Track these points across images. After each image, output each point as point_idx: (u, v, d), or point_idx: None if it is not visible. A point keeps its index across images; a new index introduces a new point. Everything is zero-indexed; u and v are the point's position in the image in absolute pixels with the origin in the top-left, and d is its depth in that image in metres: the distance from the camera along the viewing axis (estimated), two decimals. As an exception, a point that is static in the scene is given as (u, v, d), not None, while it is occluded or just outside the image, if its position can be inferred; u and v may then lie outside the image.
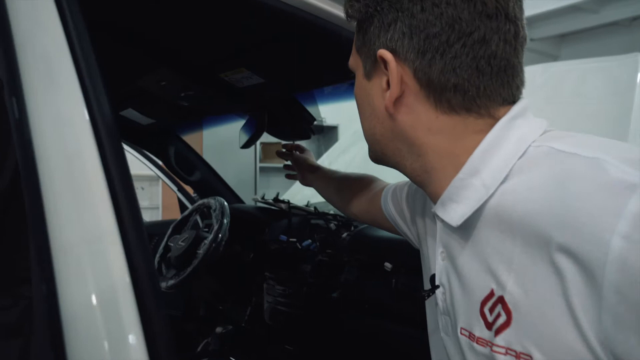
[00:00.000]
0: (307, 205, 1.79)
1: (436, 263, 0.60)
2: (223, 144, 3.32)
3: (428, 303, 0.70)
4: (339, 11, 0.74)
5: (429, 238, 0.69)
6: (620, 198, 0.38)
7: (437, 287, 0.60)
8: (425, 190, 0.59)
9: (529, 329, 0.45)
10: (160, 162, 2.04)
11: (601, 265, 0.38)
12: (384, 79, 0.55)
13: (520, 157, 0.49)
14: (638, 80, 1.63)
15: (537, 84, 1.87)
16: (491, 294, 0.49)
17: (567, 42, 7.58)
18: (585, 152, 0.44)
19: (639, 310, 0.37)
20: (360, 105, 0.61)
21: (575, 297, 0.40)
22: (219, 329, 1.61)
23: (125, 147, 1.97)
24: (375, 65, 0.56)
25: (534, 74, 2.13)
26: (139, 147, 1.93)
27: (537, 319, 0.44)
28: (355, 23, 0.60)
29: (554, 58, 8.60)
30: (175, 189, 2.18)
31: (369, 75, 0.58)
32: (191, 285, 1.84)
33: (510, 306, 0.46)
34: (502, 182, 0.49)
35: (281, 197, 1.86)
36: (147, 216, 4.52)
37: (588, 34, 7.68)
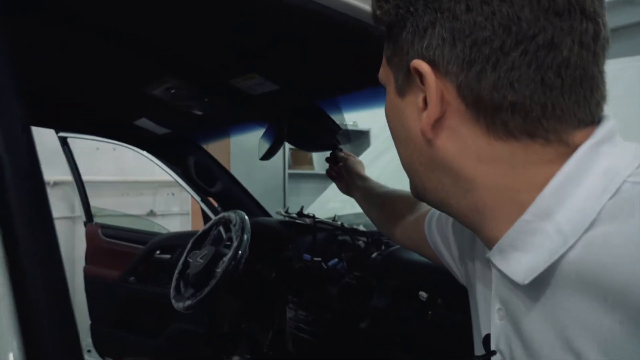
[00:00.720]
0: (333, 220, 1.66)
1: (491, 322, 0.49)
2: (251, 151, 3.24)
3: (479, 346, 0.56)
4: (365, 4, 0.60)
5: (479, 284, 0.56)
6: None
7: (494, 353, 0.48)
8: (478, 234, 0.47)
9: None
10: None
11: None
12: (420, 96, 0.43)
13: (612, 197, 0.37)
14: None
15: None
16: None
17: (616, 37, 7.14)
18: None
19: None
20: (393, 128, 0.50)
21: None
22: (236, 359, 1.50)
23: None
24: (409, 79, 0.44)
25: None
26: (158, 158, 1.85)
27: None
28: (385, 28, 0.48)
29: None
30: (198, 199, 2.10)
31: (401, 91, 0.46)
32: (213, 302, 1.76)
33: None
34: (587, 230, 0.37)
35: (307, 209, 1.74)
36: (178, 222, 4.50)
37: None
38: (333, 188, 2.58)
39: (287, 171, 3.70)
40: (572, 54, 0.38)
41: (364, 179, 1.06)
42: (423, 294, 1.07)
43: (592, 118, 0.40)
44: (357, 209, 2.09)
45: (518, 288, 0.44)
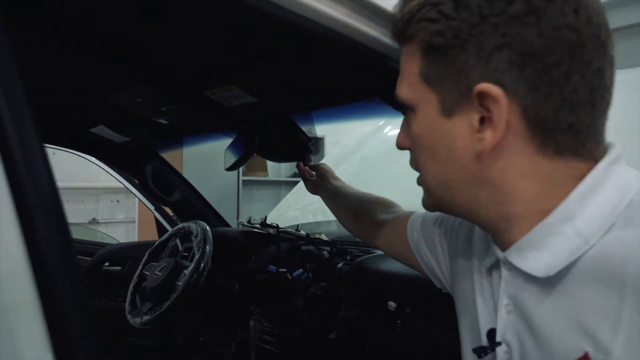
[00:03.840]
0: (297, 229, 1.66)
1: (498, 317, 0.53)
2: (204, 158, 3.17)
3: (471, 356, 0.59)
4: (355, 21, 0.61)
5: (477, 286, 0.59)
6: None
7: (499, 344, 0.52)
8: (497, 236, 0.52)
9: None
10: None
11: None
12: (476, 117, 0.45)
13: (626, 207, 0.44)
14: (643, 98, 1.55)
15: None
16: (585, 357, 0.42)
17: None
18: None
19: None
20: (429, 148, 0.51)
21: None
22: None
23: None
24: (464, 100, 0.46)
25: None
26: (112, 166, 1.78)
27: None
28: (420, 48, 0.48)
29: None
30: (152, 207, 2.03)
31: (449, 111, 0.47)
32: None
33: None
34: (605, 234, 0.43)
35: (264, 217, 1.73)
36: (123, 230, 4.31)
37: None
38: (293, 194, 2.58)
39: (241, 178, 3.66)
40: (609, 79, 0.44)
41: (337, 179, 1.09)
42: (392, 304, 1.09)
43: (603, 138, 0.46)
44: (317, 218, 2.10)
45: (530, 283, 0.48)
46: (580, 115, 0.44)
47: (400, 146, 0.57)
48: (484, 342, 0.54)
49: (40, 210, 0.28)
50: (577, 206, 0.44)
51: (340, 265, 1.36)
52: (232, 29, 0.63)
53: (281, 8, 0.51)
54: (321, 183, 1.10)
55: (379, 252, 1.37)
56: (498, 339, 0.52)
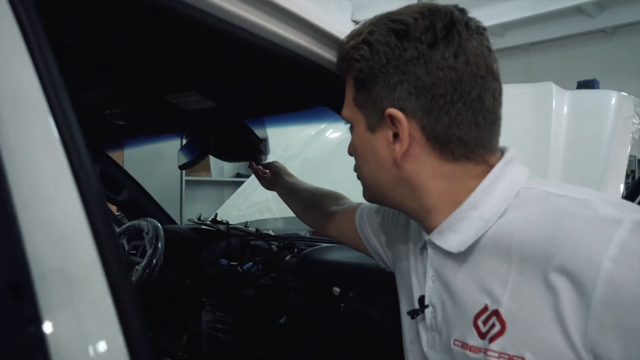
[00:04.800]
0: (246, 226, 1.74)
1: (426, 285, 0.66)
2: (146, 157, 3.15)
3: (407, 321, 0.73)
4: (304, 42, 0.72)
5: (412, 264, 0.72)
6: (609, 230, 0.48)
7: (427, 306, 0.65)
8: (423, 223, 0.65)
9: (522, 336, 0.52)
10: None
11: (592, 282, 0.46)
12: (390, 133, 0.59)
13: (515, 197, 0.57)
14: (553, 106, 1.79)
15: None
16: (485, 308, 0.56)
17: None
18: (573, 195, 0.54)
19: (621, 316, 0.45)
20: (363, 155, 0.65)
21: (567, 309, 0.48)
22: (154, 363, 1.51)
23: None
24: (380, 120, 0.60)
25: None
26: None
27: (530, 327, 0.51)
28: (352, 80, 0.62)
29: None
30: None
31: (372, 129, 0.61)
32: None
33: (504, 318, 0.53)
34: (500, 217, 0.57)
35: (216, 213, 1.80)
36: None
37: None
38: (239, 193, 2.64)
39: (185, 178, 3.65)
40: (490, 104, 0.58)
41: (290, 176, 1.20)
42: (336, 289, 1.21)
43: (497, 147, 0.61)
44: (264, 215, 2.19)
45: (449, 258, 0.62)
46: (466, 131, 0.57)
47: (349, 153, 0.70)
48: (416, 307, 0.68)
49: (95, 201, 0.36)
50: (481, 198, 0.58)
51: (288, 257, 1.47)
52: (198, 46, 0.72)
53: (241, 29, 0.61)
54: (276, 180, 1.20)
55: (324, 245, 1.49)
56: (426, 302, 0.66)
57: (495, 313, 0.54)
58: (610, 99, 1.72)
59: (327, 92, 0.83)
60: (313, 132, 2.80)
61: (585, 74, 6.54)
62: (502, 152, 0.62)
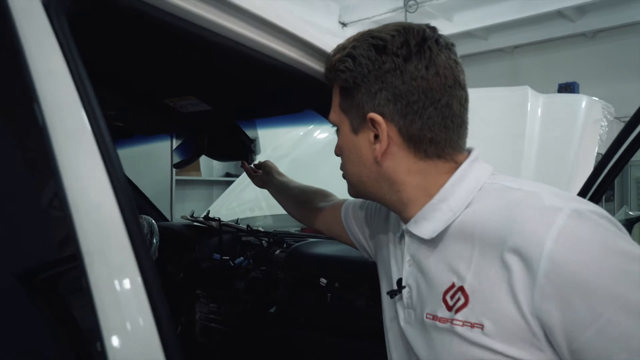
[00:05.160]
0: (236, 222, 1.82)
1: (403, 269, 0.75)
2: (137, 157, 3.19)
3: (387, 301, 0.82)
4: (293, 53, 0.80)
5: (392, 251, 0.81)
6: (552, 216, 0.57)
7: (404, 287, 0.74)
8: (400, 214, 0.73)
9: (482, 307, 0.61)
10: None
11: (537, 260, 0.55)
12: (371, 134, 0.68)
13: (479, 191, 0.67)
14: (528, 109, 1.90)
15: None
16: (452, 285, 0.65)
17: (464, 64, 8.33)
18: (526, 188, 0.63)
19: (559, 287, 0.54)
20: (348, 155, 0.74)
21: (517, 282, 0.57)
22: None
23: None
24: (363, 123, 0.69)
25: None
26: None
27: (488, 299, 0.60)
28: (338, 88, 0.71)
29: (450, 78, 9.35)
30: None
31: (356, 131, 0.70)
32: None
33: (468, 292, 0.62)
34: (466, 208, 0.66)
35: (209, 210, 1.87)
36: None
37: (479, 58, 8.53)
38: (229, 192, 2.71)
39: (175, 177, 3.71)
40: (457, 109, 0.67)
41: (281, 174, 1.27)
42: (323, 280, 1.30)
43: (464, 147, 0.71)
44: (255, 212, 2.27)
45: (423, 244, 0.70)
46: (437, 133, 0.66)
47: (335, 154, 0.79)
48: (395, 288, 0.76)
49: (125, 196, 0.44)
50: (450, 191, 0.67)
51: (277, 252, 1.55)
52: (201, 58, 0.80)
53: (242, 45, 0.69)
54: (267, 178, 1.26)
55: (311, 240, 1.58)
56: (403, 284, 0.74)
57: (461, 289, 0.63)
58: (581, 103, 1.83)
59: (314, 96, 0.92)
60: (302, 133, 2.88)
61: (567, 76, 6.70)
62: (469, 151, 0.71)
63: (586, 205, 0.59)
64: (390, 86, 0.65)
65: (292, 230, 1.95)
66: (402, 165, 0.68)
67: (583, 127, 1.73)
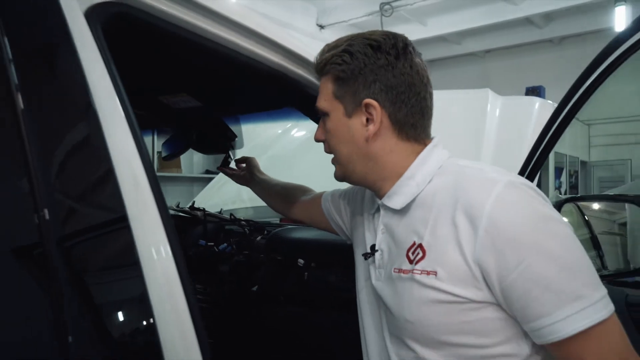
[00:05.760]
0: (220, 213, 1.95)
1: (377, 236, 0.88)
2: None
3: (362, 265, 0.95)
4: (277, 59, 0.93)
5: (366, 226, 0.95)
6: (491, 186, 0.72)
7: (377, 251, 0.87)
8: (377, 191, 0.87)
9: (435, 257, 0.75)
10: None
11: (479, 218, 0.70)
12: (364, 117, 0.81)
13: (439, 169, 0.82)
14: (488, 110, 2.08)
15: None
16: (413, 244, 0.79)
17: (435, 67, 8.61)
18: (473, 165, 0.80)
19: (494, 240, 0.69)
20: (339, 136, 0.85)
21: (463, 237, 0.72)
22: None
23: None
24: (357, 108, 0.81)
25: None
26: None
27: (440, 251, 0.74)
28: (331, 78, 0.83)
29: (425, 80, 9.63)
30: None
31: (350, 115, 0.82)
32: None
33: (425, 247, 0.76)
34: (428, 183, 0.81)
35: (193, 201, 1.98)
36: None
37: (452, 61, 8.81)
38: (210, 187, 2.82)
39: (156, 174, 3.78)
40: (429, 102, 0.83)
41: (262, 173, 1.39)
42: (301, 261, 1.44)
43: (430, 134, 0.86)
44: (236, 205, 2.39)
45: (394, 214, 0.84)
46: (417, 119, 0.81)
47: (317, 139, 0.89)
48: (369, 252, 0.88)
49: (152, 174, 0.57)
50: (416, 170, 0.81)
51: (258, 238, 1.69)
52: (196, 62, 0.93)
53: (232, 50, 0.83)
54: (249, 176, 1.36)
55: (289, 227, 1.72)
56: (376, 248, 0.87)
57: (420, 246, 0.77)
58: (534, 105, 2.02)
59: (293, 95, 1.06)
60: (280, 131, 3.01)
61: (535, 80, 7.02)
62: (431, 138, 0.86)
63: (519, 179, 0.75)
64: (384, 78, 0.79)
65: (272, 221, 2.08)
66: (387, 145, 0.82)
67: (535, 127, 1.91)
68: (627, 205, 1.19)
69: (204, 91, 1.15)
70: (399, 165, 0.82)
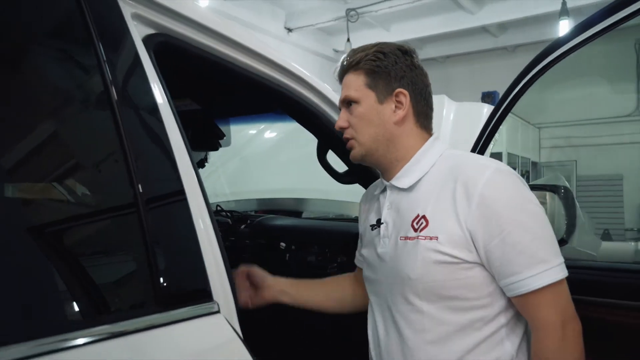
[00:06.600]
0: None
1: (382, 212, 1.03)
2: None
3: (369, 235, 1.08)
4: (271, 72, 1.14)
5: (375, 208, 1.09)
6: (484, 169, 0.90)
7: (382, 223, 1.03)
8: (389, 172, 1.02)
9: (437, 225, 0.91)
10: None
11: (473, 195, 0.88)
12: (393, 105, 0.99)
13: (439, 157, 0.99)
14: (444, 115, 2.34)
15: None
16: (417, 215, 0.95)
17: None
18: (469, 154, 1.04)
19: (484, 211, 0.87)
20: (368, 120, 0.99)
21: (459, 209, 0.89)
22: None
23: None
24: (389, 96, 0.99)
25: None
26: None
27: (441, 220, 0.91)
28: (363, 72, 0.99)
29: (388, 83, 9.98)
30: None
31: (381, 102, 0.99)
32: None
33: (428, 218, 0.93)
34: (431, 167, 0.98)
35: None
36: None
37: (414, 66, 9.13)
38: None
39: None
40: (431, 98, 1.03)
41: (289, 287, 1.25)
42: (282, 244, 1.65)
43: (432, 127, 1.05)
44: (219, 198, 2.56)
45: (401, 192, 1.00)
46: (428, 112, 1.01)
47: (340, 127, 1.02)
48: (375, 224, 1.05)
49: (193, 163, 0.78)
50: (421, 157, 0.98)
51: (242, 227, 1.88)
52: (203, 74, 1.13)
53: (230, 63, 1.03)
54: (271, 296, 1.22)
55: (271, 216, 1.93)
56: (382, 221, 1.02)
57: (423, 217, 0.93)
58: (483, 110, 2.31)
59: (283, 100, 1.26)
60: (252, 132, 3.21)
61: (491, 85, 7.45)
62: (433, 133, 1.05)
63: (504, 166, 0.94)
64: (409, 75, 0.99)
65: (252, 212, 2.28)
66: (407, 129, 0.99)
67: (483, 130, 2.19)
68: (547, 193, 1.47)
69: (207, 97, 1.35)
70: (413, 148, 0.99)
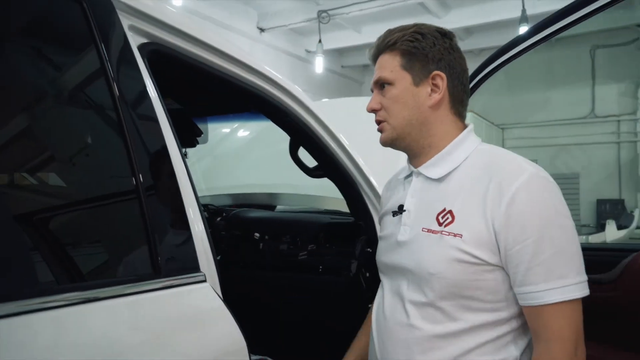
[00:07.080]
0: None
1: (406, 199, 0.99)
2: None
3: (389, 222, 1.05)
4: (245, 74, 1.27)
5: (397, 196, 1.05)
6: (520, 172, 0.86)
7: (404, 210, 0.99)
8: (418, 158, 0.98)
9: (462, 223, 0.87)
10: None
11: (505, 195, 0.84)
12: (429, 88, 0.95)
13: (472, 151, 0.95)
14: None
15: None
16: (444, 209, 0.91)
17: (369, 72, 9.14)
18: (505, 152, 0.94)
19: (510, 216, 0.83)
20: (403, 102, 0.95)
21: (488, 210, 0.85)
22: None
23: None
24: (425, 79, 0.95)
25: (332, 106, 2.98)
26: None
27: (467, 218, 0.87)
28: (399, 53, 0.95)
29: (360, 84, 10.21)
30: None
31: (417, 84, 0.95)
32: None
33: (455, 214, 0.89)
34: (464, 161, 0.94)
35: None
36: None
37: (384, 67, 9.34)
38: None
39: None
40: (468, 83, 0.97)
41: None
42: (257, 234, 1.78)
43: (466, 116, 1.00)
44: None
45: (428, 182, 0.96)
46: (464, 98, 0.96)
47: (372, 109, 0.97)
48: (397, 210, 1.00)
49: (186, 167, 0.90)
50: (455, 147, 0.93)
51: (218, 219, 2.00)
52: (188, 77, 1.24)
53: (212, 68, 1.15)
54: None
55: (245, 209, 2.05)
56: (405, 208, 0.98)
57: (450, 212, 0.90)
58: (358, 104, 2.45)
59: (257, 100, 1.37)
60: (227, 130, 3.29)
61: (457, 87, 7.72)
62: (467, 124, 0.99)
63: (544, 172, 0.88)
64: (448, 58, 0.94)
65: (228, 207, 2.39)
66: (442, 114, 0.95)
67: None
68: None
69: (187, 97, 1.46)
70: (448, 135, 0.95)
